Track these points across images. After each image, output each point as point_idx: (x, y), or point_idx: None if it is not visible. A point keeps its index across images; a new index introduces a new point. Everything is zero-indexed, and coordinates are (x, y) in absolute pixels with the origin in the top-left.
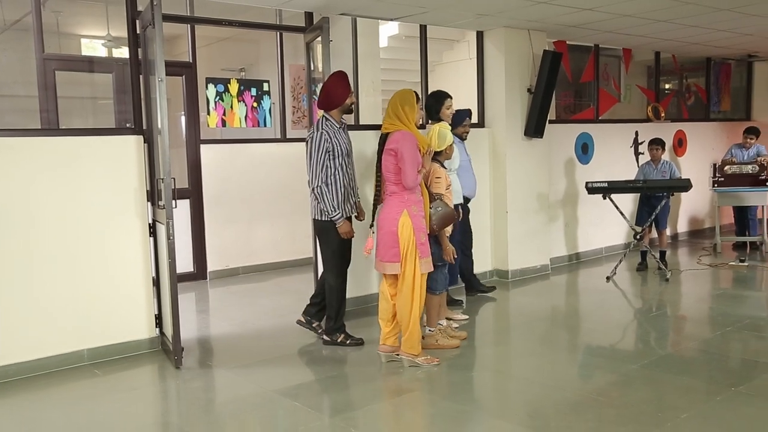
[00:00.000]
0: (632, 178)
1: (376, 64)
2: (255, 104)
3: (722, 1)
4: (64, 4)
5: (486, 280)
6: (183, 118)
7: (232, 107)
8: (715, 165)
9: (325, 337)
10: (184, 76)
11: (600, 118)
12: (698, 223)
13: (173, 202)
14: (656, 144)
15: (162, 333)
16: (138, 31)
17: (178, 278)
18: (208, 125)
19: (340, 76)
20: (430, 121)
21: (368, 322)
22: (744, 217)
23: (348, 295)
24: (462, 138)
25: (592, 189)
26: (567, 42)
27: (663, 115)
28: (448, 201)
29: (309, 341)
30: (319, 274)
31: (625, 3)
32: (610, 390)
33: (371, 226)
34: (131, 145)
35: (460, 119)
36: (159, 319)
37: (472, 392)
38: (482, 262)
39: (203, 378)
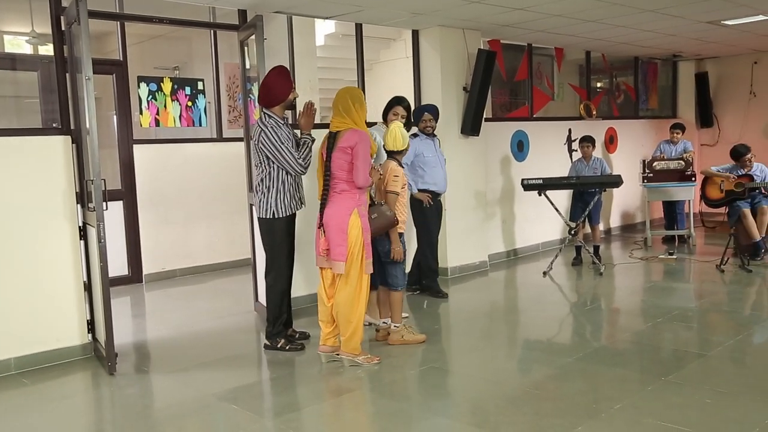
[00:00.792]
0: (566, 175)
1: (312, 62)
2: (189, 103)
3: (646, 3)
4: None
5: None
6: (115, 118)
7: (165, 106)
8: (644, 161)
9: (265, 341)
10: (114, 75)
11: (534, 116)
12: (630, 218)
13: (104, 203)
14: (587, 141)
15: (95, 339)
16: (63, 28)
17: (112, 282)
18: (141, 125)
19: (281, 71)
20: (382, 120)
21: (315, 321)
22: (672, 211)
23: (300, 293)
24: (426, 133)
25: (527, 186)
26: (501, 41)
27: (594, 112)
28: (401, 202)
29: (248, 344)
30: (258, 275)
31: (556, 3)
32: (547, 383)
33: (320, 226)
34: (58, 145)
35: (419, 115)
36: (91, 325)
37: (414, 390)
38: None
39: (139, 384)
